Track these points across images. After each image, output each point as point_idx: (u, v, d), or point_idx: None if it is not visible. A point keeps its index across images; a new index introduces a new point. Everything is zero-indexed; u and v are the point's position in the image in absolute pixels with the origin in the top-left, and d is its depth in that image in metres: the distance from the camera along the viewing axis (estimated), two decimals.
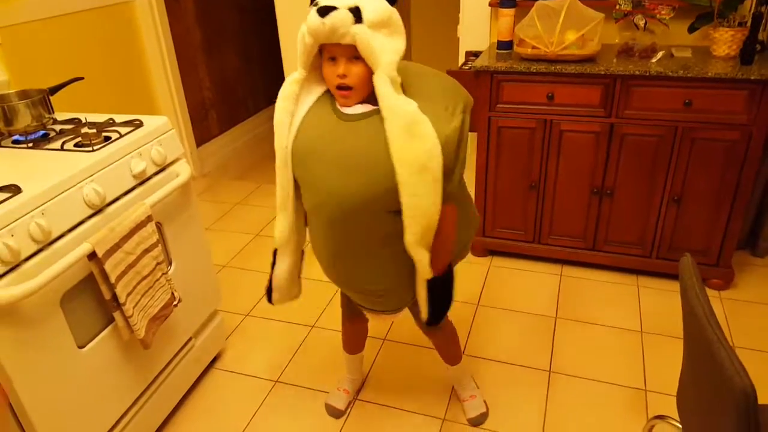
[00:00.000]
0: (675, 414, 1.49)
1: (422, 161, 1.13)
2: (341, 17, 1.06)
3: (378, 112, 1.15)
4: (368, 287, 1.36)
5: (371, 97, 1.17)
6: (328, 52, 1.15)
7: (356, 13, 1.06)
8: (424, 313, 1.38)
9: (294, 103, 1.23)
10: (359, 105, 1.19)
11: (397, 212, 1.20)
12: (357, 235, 1.26)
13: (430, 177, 1.14)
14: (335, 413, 1.77)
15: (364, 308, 1.48)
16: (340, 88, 1.16)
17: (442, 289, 1.34)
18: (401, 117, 1.11)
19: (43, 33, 2.43)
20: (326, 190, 1.21)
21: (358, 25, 1.06)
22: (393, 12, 1.11)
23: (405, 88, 1.16)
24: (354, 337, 1.75)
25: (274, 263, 1.46)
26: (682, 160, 2.05)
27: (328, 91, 1.24)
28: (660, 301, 2.20)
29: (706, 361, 0.94)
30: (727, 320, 2.08)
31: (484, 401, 1.75)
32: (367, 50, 1.09)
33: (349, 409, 1.79)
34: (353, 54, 1.12)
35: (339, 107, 1.20)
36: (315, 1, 1.10)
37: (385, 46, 1.09)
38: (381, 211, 1.21)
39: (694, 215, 2.13)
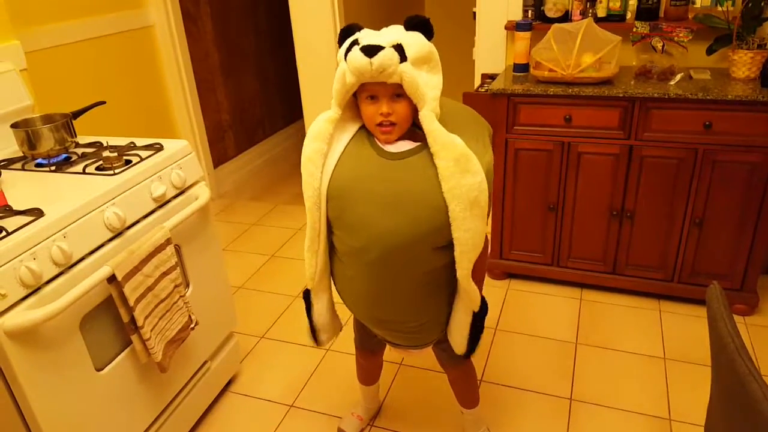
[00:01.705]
0: None
1: (474, 196, 1.12)
2: (389, 56, 1.04)
3: (421, 148, 1.14)
4: (406, 325, 1.34)
5: (408, 133, 1.17)
6: (368, 92, 1.13)
7: (400, 51, 1.05)
8: (462, 345, 1.34)
9: (327, 143, 1.18)
10: (401, 142, 1.17)
11: (441, 248, 1.20)
12: (400, 274, 1.23)
13: (479, 211, 1.14)
14: None
15: (392, 344, 1.45)
16: (382, 125, 1.14)
17: (482, 320, 1.32)
18: (452, 152, 1.10)
19: (67, 58, 2.49)
20: (373, 231, 1.16)
21: (404, 64, 1.06)
22: (432, 47, 1.11)
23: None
24: (370, 370, 1.72)
25: (309, 306, 1.42)
26: (704, 182, 2.02)
27: (362, 128, 1.21)
28: (683, 327, 2.15)
29: (738, 394, 0.91)
30: (753, 347, 2.02)
31: None
32: (412, 88, 1.08)
33: None
34: (395, 92, 1.11)
35: (380, 145, 1.17)
36: (356, 40, 1.09)
37: (428, 83, 1.09)
38: (427, 249, 1.19)
39: (716, 239, 2.09)
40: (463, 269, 1.20)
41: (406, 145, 1.17)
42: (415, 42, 1.07)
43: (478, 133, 1.19)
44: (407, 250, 1.18)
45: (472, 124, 1.21)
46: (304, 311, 1.45)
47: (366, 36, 1.09)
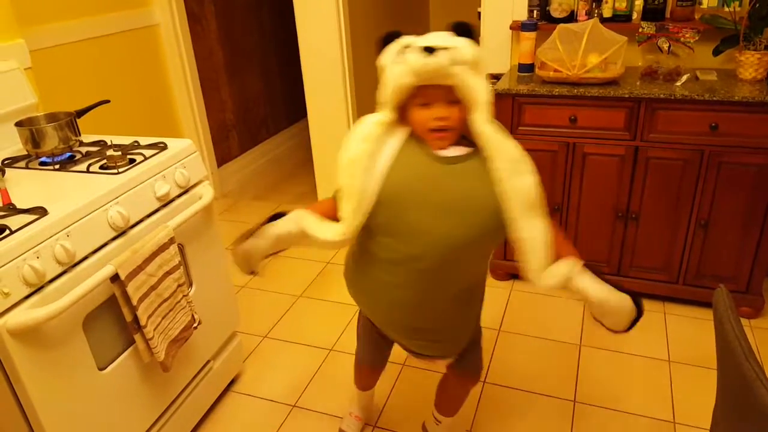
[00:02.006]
0: None
1: (531, 196, 1.12)
2: (449, 57, 1.05)
3: (474, 153, 1.14)
4: (440, 334, 1.31)
5: (462, 139, 1.17)
6: (423, 98, 1.11)
7: (456, 54, 1.06)
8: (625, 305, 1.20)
9: (375, 145, 1.14)
10: (452, 148, 1.15)
11: (486, 255, 1.23)
12: (448, 281, 1.21)
13: (538, 209, 1.13)
14: None
15: (417, 355, 1.40)
16: (436, 130, 1.12)
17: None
18: (507, 154, 1.11)
19: (71, 57, 2.49)
20: (429, 238, 1.14)
21: (461, 66, 1.07)
22: (480, 53, 1.12)
23: None
24: (370, 382, 1.71)
25: (271, 220, 1.28)
26: (709, 184, 2.01)
27: (411, 134, 1.18)
28: (688, 330, 2.14)
29: (744, 398, 0.90)
30: (758, 350, 2.01)
31: None
32: (468, 90, 1.08)
33: None
34: (449, 98, 1.10)
35: (432, 150, 1.15)
36: (407, 44, 1.08)
37: (479, 86, 1.09)
38: (478, 255, 1.20)
39: (722, 241, 2.08)
40: (535, 263, 1.15)
41: (457, 151, 1.15)
42: (468, 45, 1.09)
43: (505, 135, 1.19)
44: (461, 256, 1.17)
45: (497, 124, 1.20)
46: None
47: (419, 40, 1.09)
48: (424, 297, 1.23)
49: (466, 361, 1.44)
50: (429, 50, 1.05)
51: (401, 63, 1.08)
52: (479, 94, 1.09)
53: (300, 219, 1.24)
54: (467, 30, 1.11)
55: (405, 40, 1.11)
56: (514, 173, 1.11)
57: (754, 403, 0.84)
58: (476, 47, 1.11)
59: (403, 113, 1.16)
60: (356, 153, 1.14)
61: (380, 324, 1.39)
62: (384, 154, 1.15)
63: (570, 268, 1.15)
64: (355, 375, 1.71)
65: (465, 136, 1.16)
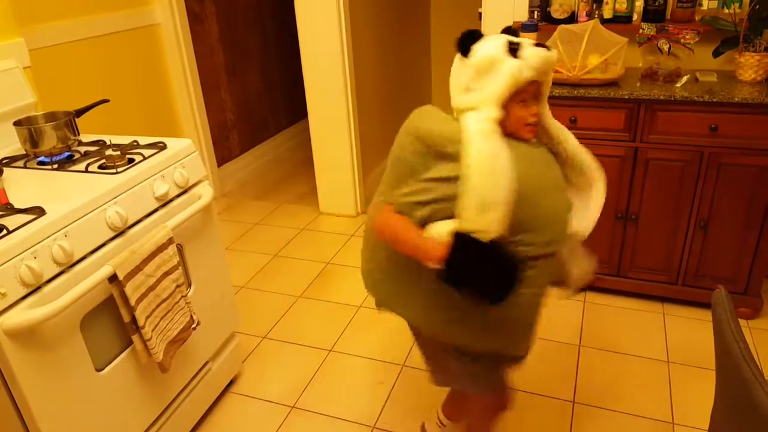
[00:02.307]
0: None
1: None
2: (554, 54, 1.11)
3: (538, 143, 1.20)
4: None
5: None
6: (523, 95, 1.10)
7: None
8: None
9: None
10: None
11: None
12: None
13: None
14: None
15: (516, 361, 1.33)
16: (530, 124, 1.15)
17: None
18: (571, 136, 1.21)
19: (71, 56, 2.49)
20: (560, 220, 1.14)
21: None
22: None
23: None
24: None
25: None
26: (709, 185, 2.00)
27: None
28: (687, 330, 2.13)
29: (743, 399, 0.90)
30: (757, 351, 2.00)
31: None
32: (548, 85, 1.16)
33: None
34: (537, 93, 1.14)
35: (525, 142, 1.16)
36: (510, 42, 1.09)
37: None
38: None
39: (721, 242, 2.08)
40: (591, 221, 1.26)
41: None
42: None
43: None
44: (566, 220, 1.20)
45: None
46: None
47: (518, 39, 1.11)
48: (544, 281, 1.20)
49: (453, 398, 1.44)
50: (541, 46, 1.10)
51: (521, 58, 1.07)
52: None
53: None
54: (516, 32, 1.17)
55: (502, 38, 1.10)
56: (579, 147, 1.22)
57: (752, 404, 0.84)
58: None
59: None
60: (495, 149, 1.04)
61: (505, 349, 1.25)
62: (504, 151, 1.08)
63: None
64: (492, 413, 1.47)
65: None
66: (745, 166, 1.94)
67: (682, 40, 2.09)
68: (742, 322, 2.15)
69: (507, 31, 1.16)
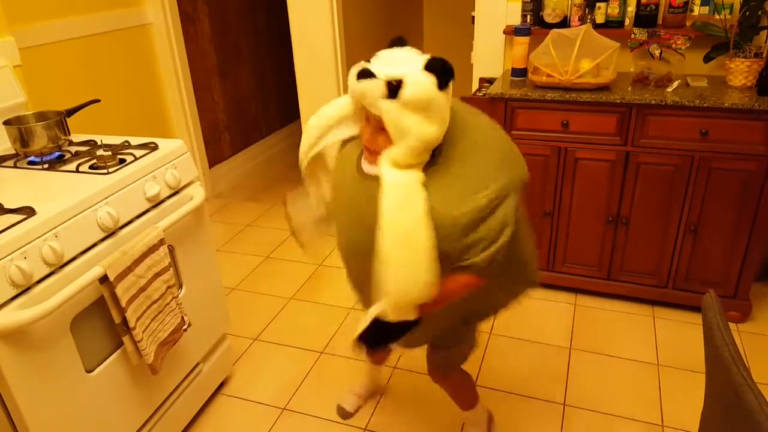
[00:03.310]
0: None
1: (405, 230, 1.04)
2: (370, 87, 1.00)
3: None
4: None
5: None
6: (364, 112, 1.08)
7: (393, 88, 0.99)
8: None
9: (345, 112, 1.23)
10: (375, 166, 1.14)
11: None
12: (367, 277, 1.20)
13: (414, 247, 1.05)
14: (343, 414, 1.80)
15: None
16: (367, 148, 1.13)
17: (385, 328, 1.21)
18: (389, 198, 1.05)
19: (61, 55, 2.47)
20: (341, 235, 1.26)
21: (389, 101, 0.99)
22: (435, 97, 1.00)
23: (450, 139, 1.08)
24: (383, 356, 1.80)
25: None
26: (699, 189, 2.02)
27: None
28: (676, 334, 2.15)
29: (733, 404, 0.90)
30: (746, 354, 2.02)
31: None
32: (391, 127, 1.02)
33: (356, 413, 1.82)
34: (380, 125, 1.04)
35: (362, 161, 1.18)
36: (370, 59, 1.06)
37: (411, 130, 1.01)
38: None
39: (711, 246, 2.09)
40: (385, 288, 1.10)
41: (375, 170, 1.12)
42: (418, 85, 0.99)
43: (492, 176, 1.09)
44: (367, 260, 1.13)
45: (496, 164, 1.11)
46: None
47: (378, 59, 1.05)
48: (358, 277, 1.32)
49: (434, 356, 1.51)
50: (362, 74, 1.01)
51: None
52: (402, 136, 1.02)
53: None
54: (437, 67, 1.00)
55: (378, 54, 1.06)
56: (390, 209, 1.06)
57: (742, 408, 0.85)
58: (430, 90, 1.00)
59: None
60: (334, 108, 1.23)
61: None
62: (342, 134, 1.24)
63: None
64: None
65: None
66: (734, 171, 1.96)
67: (673, 46, 2.11)
68: (731, 326, 2.18)
69: (429, 62, 1.02)
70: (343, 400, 1.83)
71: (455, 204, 1.06)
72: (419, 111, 1.00)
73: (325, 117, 1.25)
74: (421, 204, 1.04)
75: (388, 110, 1.00)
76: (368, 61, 1.06)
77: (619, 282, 2.29)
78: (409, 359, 2.06)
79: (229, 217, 3.26)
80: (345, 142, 1.29)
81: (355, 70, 1.03)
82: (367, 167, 1.15)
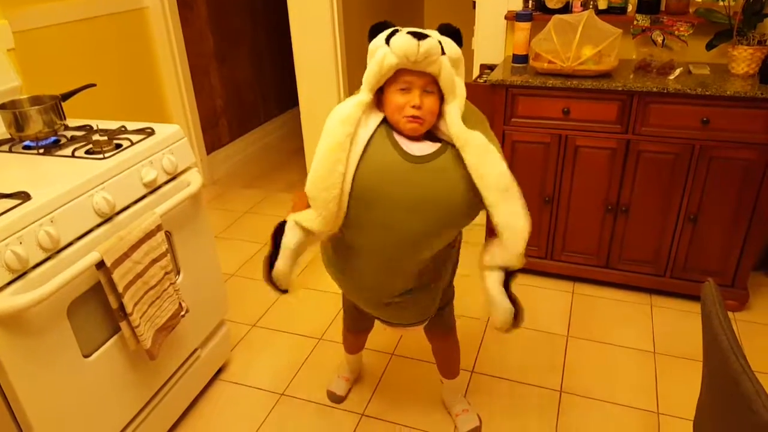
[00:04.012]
0: None
1: (504, 183, 1.17)
2: (435, 44, 1.09)
3: (444, 149, 1.17)
4: (407, 308, 1.39)
5: (427, 133, 1.20)
6: (403, 82, 1.15)
7: (440, 45, 1.11)
8: (508, 315, 1.31)
9: (354, 128, 1.16)
10: (422, 143, 1.18)
11: (452, 238, 1.28)
12: (410, 264, 1.27)
13: (513, 193, 1.18)
14: (336, 399, 1.82)
15: (389, 324, 1.49)
16: (410, 117, 1.15)
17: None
18: (476, 145, 1.15)
19: (56, 39, 2.44)
20: (396, 233, 1.20)
21: (444, 56, 1.11)
22: (462, 56, 1.16)
23: None
24: (358, 344, 1.82)
25: (279, 233, 1.30)
26: (699, 178, 2.01)
27: (383, 122, 1.20)
28: (673, 322, 2.15)
29: (730, 392, 0.90)
30: (742, 343, 2.03)
31: (477, 415, 1.74)
32: (449, 81, 1.13)
33: (348, 395, 1.85)
34: (426, 86, 1.14)
35: (402, 146, 1.17)
36: (396, 30, 1.12)
37: (456, 83, 1.14)
38: (441, 242, 1.25)
39: (710, 235, 2.09)
40: (511, 253, 1.22)
41: (428, 148, 1.18)
42: (451, 44, 1.13)
43: (482, 124, 1.24)
44: (426, 247, 1.23)
45: (478, 120, 1.25)
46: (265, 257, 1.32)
47: (407, 28, 1.13)
48: (392, 280, 1.32)
49: (436, 321, 1.53)
50: (417, 35, 1.09)
51: (389, 45, 1.10)
52: (457, 86, 1.14)
53: (300, 221, 1.26)
54: (452, 32, 1.15)
55: (397, 28, 1.14)
56: (485, 162, 1.15)
57: (739, 395, 0.85)
58: (458, 48, 1.15)
59: (380, 98, 1.20)
60: (337, 135, 1.15)
61: (352, 299, 1.51)
62: (360, 138, 1.17)
63: (505, 262, 1.26)
64: (343, 341, 1.80)
65: (432, 132, 1.21)
66: (735, 160, 1.95)
67: (676, 32, 2.09)
68: (728, 314, 2.18)
69: (443, 27, 1.17)
70: (333, 385, 1.85)
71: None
72: (456, 65, 1.14)
73: (348, 123, 1.16)
74: (499, 154, 1.19)
75: (446, 63, 1.11)
76: (391, 33, 1.12)
77: (617, 270, 2.29)
78: (406, 346, 2.07)
79: (227, 203, 3.25)
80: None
81: (405, 35, 1.09)
82: (415, 148, 1.17)
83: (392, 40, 1.10)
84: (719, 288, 2.23)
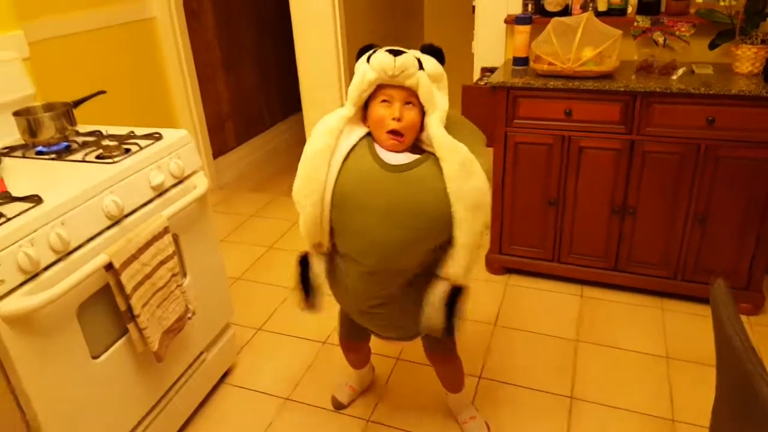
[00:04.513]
0: None
1: (477, 198, 1.20)
2: (411, 60, 1.17)
3: (424, 159, 1.22)
4: (394, 319, 1.40)
5: (413, 146, 1.26)
6: (384, 95, 1.21)
7: (419, 62, 1.18)
8: (439, 321, 1.34)
9: (336, 140, 1.24)
10: (402, 155, 1.24)
11: (434, 249, 1.27)
12: (394, 274, 1.30)
13: (482, 214, 1.21)
14: (337, 406, 1.82)
15: (381, 337, 1.50)
16: (392, 133, 1.21)
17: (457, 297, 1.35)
18: (457, 156, 1.18)
19: (69, 48, 2.50)
20: (371, 240, 1.25)
21: (422, 72, 1.18)
22: (443, 71, 1.23)
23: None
24: (360, 358, 1.80)
25: (304, 266, 1.41)
26: (706, 178, 2.01)
27: (367, 135, 1.27)
28: (686, 326, 2.13)
29: (746, 396, 0.87)
30: (758, 347, 2.00)
31: (486, 422, 1.71)
32: (428, 93, 1.19)
33: (351, 404, 1.84)
34: (408, 99, 1.21)
35: (381, 156, 1.23)
36: (377, 49, 1.21)
37: (436, 97, 1.21)
38: (422, 252, 1.27)
39: (720, 236, 2.07)
40: (459, 267, 1.26)
41: (405, 158, 1.23)
42: (430, 61, 1.20)
43: (474, 141, 1.27)
44: (402, 256, 1.26)
45: (469, 134, 1.29)
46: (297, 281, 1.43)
47: (381, 49, 1.21)
48: (370, 287, 1.34)
49: (432, 343, 1.54)
50: (394, 52, 1.18)
51: (369, 62, 1.19)
52: (437, 99, 1.20)
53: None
54: (432, 51, 1.22)
55: (377, 48, 1.22)
56: (462, 175, 1.18)
57: (754, 398, 0.82)
58: (439, 65, 1.21)
59: (365, 114, 1.27)
60: (320, 146, 1.24)
61: (345, 308, 1.53)
62: (340, 150, 1.24)
63: (449, 276, 1.29)
64: (345, 356, 1.79)
65: (417, 144, 1.26)
66: (742, 159, 1.94)
67: (677, 33, 2.09)
68: (743, 318, 2.14)
69: (424, 47, 1.24)
70: (338, 392, 1.84)
71: (482, 163, 1.26)
72: (436, 81, 1.20)
73: (328, 135, 1.25)
74: (481, 169, 1.22)
75: (425, 77, 1.18)
76: (373, 51, 1.21)
77: (626, 273, 2.27)
78: (411, 352, 2.07)
79: (233, 207, 3.27)
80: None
81: (383, 53, 1.18)
82: (392, 158, 1.23)
83: (372, 57, 1.19)
84: (733, 291, 2.19)
